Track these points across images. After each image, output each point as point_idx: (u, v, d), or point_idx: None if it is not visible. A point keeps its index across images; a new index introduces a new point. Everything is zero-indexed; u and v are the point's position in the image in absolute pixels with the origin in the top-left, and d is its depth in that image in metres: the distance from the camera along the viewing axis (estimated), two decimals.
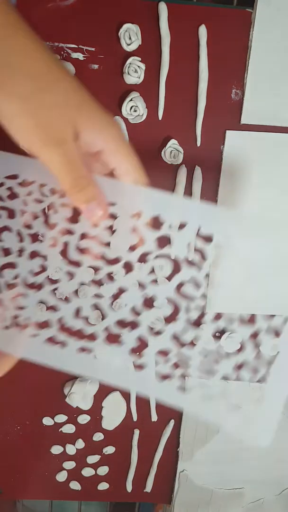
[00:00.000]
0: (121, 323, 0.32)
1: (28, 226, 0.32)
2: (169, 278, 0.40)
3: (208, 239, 0.31)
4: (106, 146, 0.28)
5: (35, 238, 0.32)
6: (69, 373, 0.31)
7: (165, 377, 0.32)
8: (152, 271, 0.32)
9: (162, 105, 0.42)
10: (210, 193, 0.45)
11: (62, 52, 0.40)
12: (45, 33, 0.40)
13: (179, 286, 0.32)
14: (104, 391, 0.50)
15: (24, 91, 0.25)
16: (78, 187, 0.28)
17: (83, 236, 0.32)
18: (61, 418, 0.51)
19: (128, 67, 0.40)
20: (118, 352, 0.31)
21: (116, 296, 0.33)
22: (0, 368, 0.31)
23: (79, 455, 0.53)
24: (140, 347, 0.32)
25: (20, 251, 0.32)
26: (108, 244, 0.32)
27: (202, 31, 0.40)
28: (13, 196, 0.31)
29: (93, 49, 0.40)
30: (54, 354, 0.31)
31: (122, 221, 0.31)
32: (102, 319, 0.33)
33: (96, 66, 0.41)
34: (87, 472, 0.53)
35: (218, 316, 0.49)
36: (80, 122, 0.26)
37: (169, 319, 0.33)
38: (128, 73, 0.40)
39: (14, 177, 0.31)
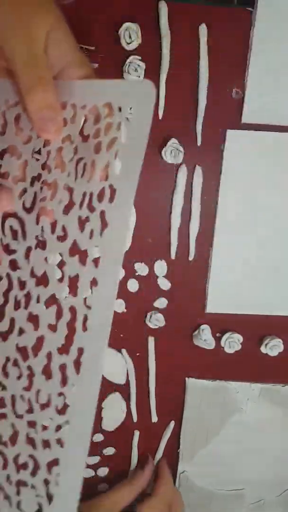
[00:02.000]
0: None
1: None
2: None
3: None
4: (61, 45, 0.27)
5: None
6: None
7: None
8: None
9: (162, 104, 0.42)
10: (211, 193, 0.44)
11: None
12: None
13: None
14: (104, 391, 0.50)
15: None
16: (39, 87, 0.25)
17: None
18: None
19: (128, 66, 0.40)
20: None
21: None
22: None
23: None
24: None
25: None
26: None
27: (203, 30, 0.40)
28: None
29: (93, 48, 0.40)
30: None
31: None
32: None
33: (96, 65, 0.41)
34: (87, 473, 0.53)
35: (218, 316, 0.49)
36: (53, 20, 0.26)
37: None
38: (128, 72, 0.40)
39: None
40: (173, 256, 0.46)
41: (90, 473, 0.53)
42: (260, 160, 0.44)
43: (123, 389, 0.50)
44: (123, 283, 0.46)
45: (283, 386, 0.51)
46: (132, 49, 0.40)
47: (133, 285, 0.46)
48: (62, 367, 0.27)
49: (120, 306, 0.47)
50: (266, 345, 0.48)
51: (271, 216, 0.45)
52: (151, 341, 0.49)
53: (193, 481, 0.54)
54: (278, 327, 0.49)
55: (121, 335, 0.48)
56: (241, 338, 0.48)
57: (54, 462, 0.27)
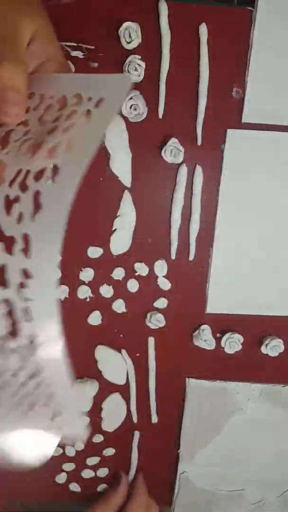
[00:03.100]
0: None
1: None
2: None
3: None
4: (38, 33, 0.26)
5: None
6: None
7: None
8: None
9: (162, 103, 0.42)
10: (211, 193, 0.44)
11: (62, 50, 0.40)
12: None
13: None
14: (104, 392, 0.50)
15: None
16: (11, 63, 0.24)
17: None
18: None
19: (128, 65, 0.40)
20: None
21: None
22: None
23: (78, 457, 0.52)
24: None
25: None
26: None
27: (203, 29, 0.40)
28: None
29: (92, 47, 0.40)
30: None
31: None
32: None
33: (96, 65, 0.41)
34: (87, 474, 0.53)
35: (218, 316, 0.48)
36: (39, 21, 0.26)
37: None
38: (128, 72, 0.40)
39: None
40: (173, 256, 0.46)
41: (90, 474, 0.53)
42: (260, 160, 0.44)
43: (123, 390, 0.50)
44: (123, 283, 0.46)
45: (283, 386, 0.51)
46: (132, 49, 0.40)
47: (133, 285, 0.46)
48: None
49: (120, 306, 0.47)
50: (266, 345, 0.48)
51: (272, 216, 0.45)
52: (151, 341, 0.48)
53: (193, 482, 0.54)
54: (279, 327, 0.49)
55: (121, 335, 0.48)
56: (241, 339, 0.48)
57: None
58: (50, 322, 0.23)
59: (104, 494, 0.53)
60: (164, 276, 0.46)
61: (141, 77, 0.40)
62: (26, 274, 0.22)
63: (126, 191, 0.44)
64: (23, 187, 0.23)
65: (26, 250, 0.22)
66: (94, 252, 0.45)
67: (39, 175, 0.23)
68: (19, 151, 0.25)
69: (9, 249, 0.23)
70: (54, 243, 0.21)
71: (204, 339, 0.47)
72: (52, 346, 0.24)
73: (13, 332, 0.24)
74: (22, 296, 0.23)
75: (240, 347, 0.48)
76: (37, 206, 0.22)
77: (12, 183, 0.23)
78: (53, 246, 0.22)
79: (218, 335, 0.49)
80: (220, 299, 0.47)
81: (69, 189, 0.21)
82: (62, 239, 0.21)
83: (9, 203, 0.23)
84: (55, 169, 0.22)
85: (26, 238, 0.22)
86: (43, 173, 0.23)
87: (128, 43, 0.40)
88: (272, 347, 0.48)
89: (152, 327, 0.47)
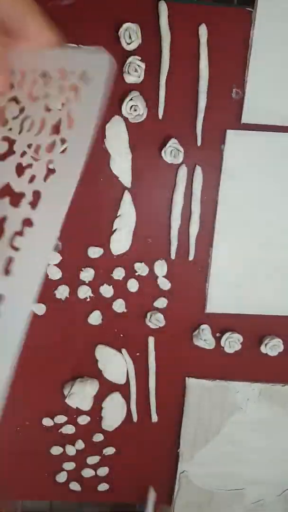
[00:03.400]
0: None
1: None
2: None
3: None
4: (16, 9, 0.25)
5: None
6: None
7: None
8: None
9: (162, 104, 0.42)
10: (211, 193, 0.44)
11: None
12: None
13: None
14: (104, 391, 0.50)
15: None
16: None
17: None
18: (61, 418, 0.51)
19: (128, 66, 0.40)
20: None
21: None
22: None
23: (79, 456, 0.53)
24: None
25: None
26: None
27: (202, 30, 0.40)
28: None
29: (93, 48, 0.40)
30: None
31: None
32: None
33: None
34: (87, 473, 0.53)
35: (218, 316, 0.49)
36: None
37: None
38: (128, 72, 0.40)
39: None
40: (173, 256, 0.46)
41: (90, 472, 0.53)
42: (260, 160, 0.44)
43: (123, 389, 0.50)
44: (123, 283, 0.47)
45: (282, 386, 0.51)
46: (132, 49, 0.40)
47: (133, 285, 0.46)
48: None
49: (120, 306, 0.47)
50: (266, 345, 0.48)
51: (271, 216, 0.45)
52: (151, 341, 0.49)
53: (193, 481, 0.54)
54: (278, 327, 0.49)
55: (121, 335, 0.48)
56: (241, 338, 0.48)
57: None
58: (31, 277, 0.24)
59: None
60: (164, 276, 0.46)
61: (141, 78, 0.41)
62: (27, 223, 0.24)
63: (126, 191, 0.44)
64: (35, 158, 0.26)
65: (33, 203, 0.25)
66: (94, 252, 0.45)
67: (49, 148, 0.26)
68: (22, 130, 0.27)
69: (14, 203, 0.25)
70: (63, 204, 0.24)
71: (204, 338, 0.47)
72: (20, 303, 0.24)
73: None
74: (12, 246, 0.24)
75: (240, 346, 0.48)
76: (49, 171, 0.25)
77: (23, 155, 0.26)
78: (61, 207, 0.24)
79: (217, 334, 0.49)
80: (220, 299, 0.47)
81: (78, 157, 0.24)
82: (69, 203, 0.24)
83: (20, 169, 0.26)
84: (63, 141, 0.25)
85: (36, 194, 0.25)
86: (54, 146, 0.26)
87: (128, 44, 0.40)
88: (272, 347, 0.48)
89: (152, 326, 0.47)
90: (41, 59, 0.27)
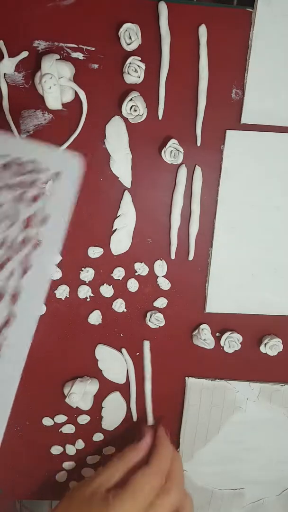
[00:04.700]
0: None
1: None
2: None
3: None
4: None
5: None
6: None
7: None
8: None
9: (162, 104, 0.42)
10: (211, 193, 0.45)
11: (62, 52, 0.40)
12: (45, 33, 0.40)
13: None
14: (104, 391, 0.50)
15: None
16: None
17: None
18: (61, 418, 0.51)
19: (128, 66, 0.40)
20: None
21: None
22: None
23: (79, 456, 0.53)
24: None
25: None
26: None
27: (202, 30, 0.40)
28: None
29: (93, 48, 0.40)
30: None
31: None
32: None
33: (96, 66, 0.41)
34: (87, 472, 0.53)
35: (218, 316, 0.49)
36: None
37: None
38: (128, 73, 0.40)
39: None
40: (173, 256, 0.46)
41: (91, 472, 0.53)
42: (260, 161, 0.44)
43: (123, 389, 0.50)
44: (123, 283, 0.47)
45: (282, 385, 0.51)
46: (132, 50, 0.40)
47: (133, 285, 0.47)
48: None
49: (120, 306, 0.47)
50: (265, 344, 0.48)
51: (271, 216, 0.46)
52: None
53: (192, 481, 0.54)
54: (278, 326, 0.49)
55: (121, 335, 0.48)
56: (240, 338, 0.48)
57: None
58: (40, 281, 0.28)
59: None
60: (164, 276, 0.47)
61: (141, 79, 0.41)
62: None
63: (126, 191, 0.44)
64: (15, 250, 0.29)
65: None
66: (94, 252, 0.45)
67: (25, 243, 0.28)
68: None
69: None
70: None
71: (204, 338, 0.47)
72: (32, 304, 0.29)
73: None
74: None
75: (240, 346, 0.48)
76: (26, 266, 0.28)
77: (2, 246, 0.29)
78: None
79: (217, 334, 0.49)
80: (220, 298, 0.47)
81: (52, 251, 0.28)
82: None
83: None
84: (37, 241, 0.28)
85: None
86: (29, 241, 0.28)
87: (128, 44, 0.40)
88: (271, 346, 0.48)
89: (152, 326, 0.48)
90: (17, 148, 0.29)
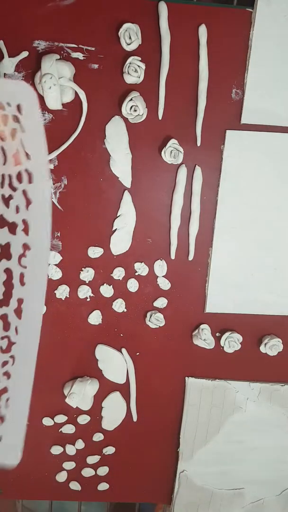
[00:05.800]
0: None
1: None
2: None
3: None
4: None
5: None
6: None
7: None
8: None
9: (162, 104, 0.42)
10: (210, 193, 0.45)
11: (62, 52, 0.40)
12: (45, 33, 0.40)
13: None
14: (104, 391, 0.50)
15: None
16: None
17: None
18: (61, 418, 0.51)
19: (128, 66, 0.40)
20: None
21: None
22: None
23: (79, 456, 0.53)
24: None
25: None
26: None
27: (202, 30, 0.40)
28: None
29: (93, 48, 0.40)
30: None
31: None
32: None
33: (96, 66, 0.41)
34: (87, 472, 0.53)
35: (218, 316, 0.49)
36: None
37: None
38: (128, 73, 0.40)
39: None
40: (173, 256, 0.46)
41: (90, 472, 0.53)
42: (259, 161, 0.44)
43: (123, 388, 0.50)
44: (123, 283, 0.47)
45: (282, 385, 0.51)
46: (132, 50, 0.40)
47: (133, 285, 0.47)
48: (3, 317, 0.31)
49: (120, 306, 0.47)
50: (265, 344, 0.48)
51: (271, 216, 0.46)
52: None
53: (192, 480, 0.54)
54: (278, 327, 0.49)
55: (121, 335, 0.48)
56: (240, 338, 0.48)
57: (3, 391, 0.33)
58: (39, 287, 0.29)
59: None
60: (164, 276, 0.47)
61: (141, 79, 0.41)
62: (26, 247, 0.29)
63: (126, 191, 0.44)
64: (13, 188, 0.29)
65: (25, 230, 0.29)
66: (94, 252, 0.45)
67: (19, 179, 0.29)
68: None
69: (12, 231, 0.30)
70: (45, 226, 0.28)
71: (204, 338, 0.47)
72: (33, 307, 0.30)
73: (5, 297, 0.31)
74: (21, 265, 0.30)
75: (239, 346, 0.48)
76: (28, 201, 0.28)
77: (3, 185, 0.29)
78: (45, 227, 0.28)
79: (217, 334, 0.49)
80: (219, 298, 0.47)
81: (44, 185, 0.28)
82: (50, 222, 0.28)
83: (6, 200, 0.29)
84: (27, 172, 0.28)
85: (24, 222, 0.29)
86: (21, 177, 0.28)
87: (128, 44, 0.40)
88: (271, 346, 0.48)
89: (152, 326, 0.48)
90: None
